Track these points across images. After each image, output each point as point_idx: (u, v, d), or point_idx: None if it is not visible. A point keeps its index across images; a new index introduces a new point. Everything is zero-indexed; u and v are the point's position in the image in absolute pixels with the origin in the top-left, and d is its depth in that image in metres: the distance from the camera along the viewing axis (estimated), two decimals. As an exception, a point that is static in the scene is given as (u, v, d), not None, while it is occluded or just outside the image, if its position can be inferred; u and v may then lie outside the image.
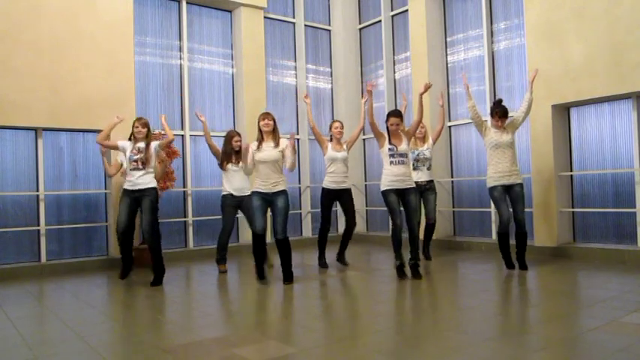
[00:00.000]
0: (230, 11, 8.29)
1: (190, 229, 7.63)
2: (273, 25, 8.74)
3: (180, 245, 7.57)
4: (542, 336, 3.27)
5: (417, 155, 6.23)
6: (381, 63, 8.89)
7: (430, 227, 6.42)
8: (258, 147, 5.10)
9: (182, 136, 7.67)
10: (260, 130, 5.15)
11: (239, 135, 5.93)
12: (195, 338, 3.44)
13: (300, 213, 8.82)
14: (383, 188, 5.23)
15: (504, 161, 5.35)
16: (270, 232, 5.72)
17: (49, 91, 6.36)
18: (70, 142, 6.79)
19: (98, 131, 5.86)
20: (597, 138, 6.27)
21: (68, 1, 6.58)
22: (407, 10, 8.18)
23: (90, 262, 6.63)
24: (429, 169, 6.29)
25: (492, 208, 7.01)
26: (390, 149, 5.18)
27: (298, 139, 8.77)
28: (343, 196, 6.06)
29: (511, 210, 5.46)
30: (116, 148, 5.46)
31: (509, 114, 5.59)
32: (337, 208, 8.21)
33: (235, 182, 5.87)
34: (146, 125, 5.38)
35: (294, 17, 8.97)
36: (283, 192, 5.12)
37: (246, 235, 7.67)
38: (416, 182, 6.20)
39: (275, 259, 6.07)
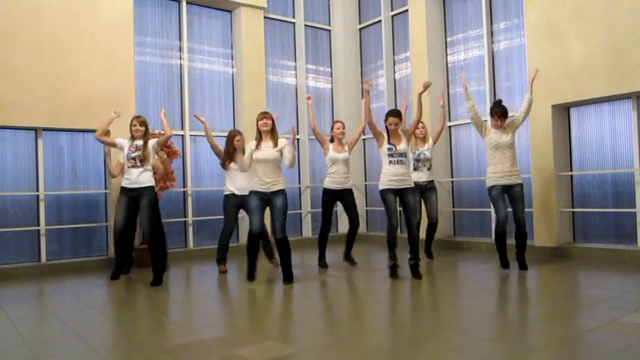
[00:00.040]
0: (230, 11, 8.29)
1: (190, 229, 7.63)
2: (273, 25, 8.74)
3: (180, 245, 7.57)
4: (542, 336, 3.27)
5: (418, 156, 6.24)
6: (381, 63, 8.89)
7: (432, 226, 6.43)
8: (257, 146, 5.10)
9: (182, 136, 7.66)
10: (259, 130, 5.15)
11: (241, 134, 5.92)
12: (195, 338, 3.44)
13: (300, 213, 8.82)
14: (381, 187, 5.23)
15: (504, 161, 5.35)
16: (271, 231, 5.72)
17: (49, 91, 6.36)
18: (70, 142, 6.79)
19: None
20: (597, 138, 6.27)
21: (68, 1, 6.58)
22: (407, 10, 8.18)
23: (90, 262, 6.63)
24: (429, 169, 6.29)
25: (492, 208, 7.00)
26: (389, 149, 5.18)
27: (298, 139, 8.77)
28: (346, 196, 6.05)
29: (510, 210, 5.46)
30: (115, 145, 5.45)
31: (509, 114, 5.59)
32: (337, 208, 8.22)
33: (238, 182, 5.86)
34: (144, 123, 5.38)
35: (294, 17, 8.97)
36: (281, 191, 5.12)
37: (247, 235, 7.66)
38: (416, 182, 6.22)
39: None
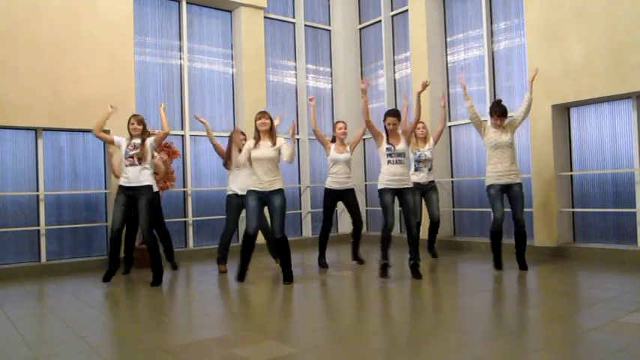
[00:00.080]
0: (230, 11, 8.29)
1: (190, 229, 7.64)
2: (273, 25, 8.74)
3: (180, 245, 7.56)
4: (542, 336, 3.27)
5: (419, 156, 6.24)
6: (381, 63, 8.89)
7: (435, 226, 6.45)
8: (255, 145, 5.11)
9: (182, 136, 7.66)
10: (257, 129, 5.15)
11: (243, 134, 5.93)
12: (195, 338, 3.44)
13: (300, 213, 8.82)
14: (380, 187, 5.22)
15: (504, 161, 5.34)
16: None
17: (49, 91, 6.36)
18: (70, 142, 6.79)
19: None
20: (597, 138, 6.27)
21: (68, 1, 6.58)
22: (407, 10, 8.18)
23: (90, 262, 6.63)
24: (430, 169, 6.30)
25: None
26: (387, 149, 5.17)
27: (298, 139, 8.76)
28: (347, 196, 6.05)
29: (506, 210, 5.44)
30: (112, 143, 5.43)
31: (509, 114, 5.59)
32: (337, 208, 8.21)
33: (240, 182, 5.84)
34: (141, 122, 5.37)
35: (294, 17, 8.97)
36: (279, 191, 5.11)
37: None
38: (418, 183, 6.23)
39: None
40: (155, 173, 6.15)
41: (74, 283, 5.70)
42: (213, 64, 8.14)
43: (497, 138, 5.35)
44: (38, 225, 6.48)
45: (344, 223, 9.10)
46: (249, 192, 5.15)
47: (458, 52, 7.84)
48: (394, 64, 8.80)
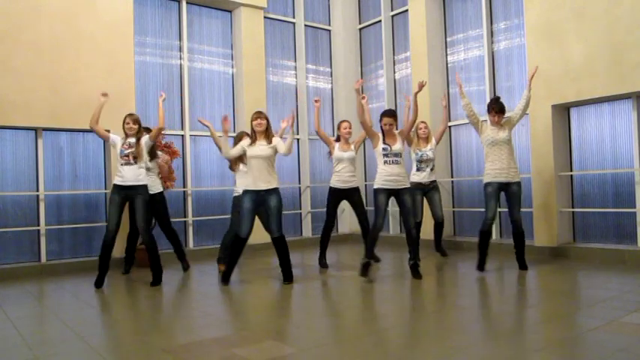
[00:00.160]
0: (230, 11, 8.29)
1: (190, 229, 7.63)
2: (273, 25, 8.74)
3: (180, 245, 7.56)
4: (542, 336, 3.27)
5: (421, 156, 6.24)
6: (381, 63, 8.89)
7: (439, 226, 6.47)
8: (251, 145, 5.12)
9: (182, 136, 7.66)
10: (253, 130, 5.16)
11: (249, 135, 5.92)
12: (195, 338, 3.44)
13: (300, 213, 8.81)
14: (375, 186, 5.22)
15: (502, 158, 5.32)
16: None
17: (49, 91, 6.36)
18: (70, 142, 6.79)
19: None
20: (597, 138, 6.27)
21: (68, 1, 6.58)
22: (407, 10, 8.18)
23: (90, 262, 6.61)
24: (432, 169, 6.30)
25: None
26: (383, 149, 5.17)
27: (298, 139, 8.76)
28: (352, 195, 6.04)
29: (504, 210, 5.44)
30: (107, 139, 5.40)
31: (508, 113, 5.59)
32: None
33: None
34: (137, 121, 5.35)
35: (294, 17, 8.97)
36: (275, 190, 5.11)
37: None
38: (419, 183, 6.24)
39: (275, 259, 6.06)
40: (158, 172, 6.17)
41: (74, 283, 5.70)
42: (213, 64, 8.14)
43: (495, 135, 5.35)
44: (38, 225, 6.48)
45: (344, 223, 9.10)
46: (245, 193, 5.15)
47: (458, 52, 7.84)
48: (394, 64, 8.80)
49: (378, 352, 3.08)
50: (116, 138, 5.34)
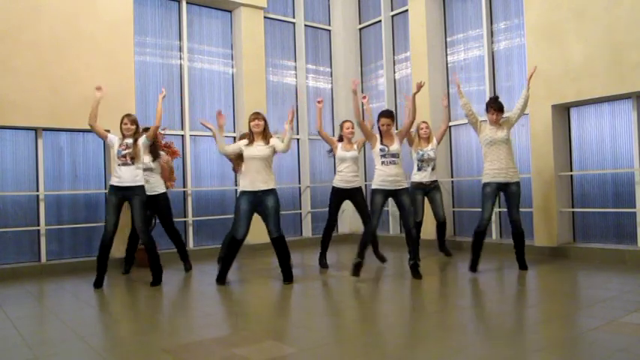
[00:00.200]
0: (230, 11, 8.29)
1: (190, 229, 7.63)
2: (273, 25, 8.74)
3: (180, 245, 7.56)
4: (542, 336, 3.27)
5: (422, 156, 6.24)
6: (381, 63, 8.89)
7: (442, 225, 6.48)
8: (248, 145, 5.12)
9: (182, 136, 7.66)
10: (250, 131, 5.16)
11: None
12: (195, 338, 3.44)
13: (300, 213, 8.81)
14: (373, 187, 5.23)
15: (500, 158, 5.31)
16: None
17: (49, 91, 6.36)
18: (70, 142, 6.79)
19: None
20: (597, 138, 6.27)
21: (68, 1, 6.58)
22: (407, 10, 8.18)
23: (90, 262, 6.59)
24: (433, 169, 6.31)
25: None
26: (381, 149, 5.17)
27: (298, 139, 8.76)
28: (355, 195, 6.04)
29: (499, 210, 5.43)
30: (105, 138, 5.39)
31: (507, 113, 5.59)
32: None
33: None
34: (134, 122, 5.35)
35: (294, 17, 8.97)
36: (272, 191, 5.11)
37: (249, 235, 7.66)
38: (420, 183, 6.24)
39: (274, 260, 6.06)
40: (159, 172, 6.16)
41: (74, 283, 5.70)
42: (213, 64, 8.14)
43: (493, 134, 5.34)
44: (38, 225, 6.48)
45: (344, 223, 9.10)
46: (242, 194, 5.14)
47: (458, 52, 7.84)
48: (394, 64, 8.80)
49: (378, 352, 3.08)
50: (114, 138, 5.33)
